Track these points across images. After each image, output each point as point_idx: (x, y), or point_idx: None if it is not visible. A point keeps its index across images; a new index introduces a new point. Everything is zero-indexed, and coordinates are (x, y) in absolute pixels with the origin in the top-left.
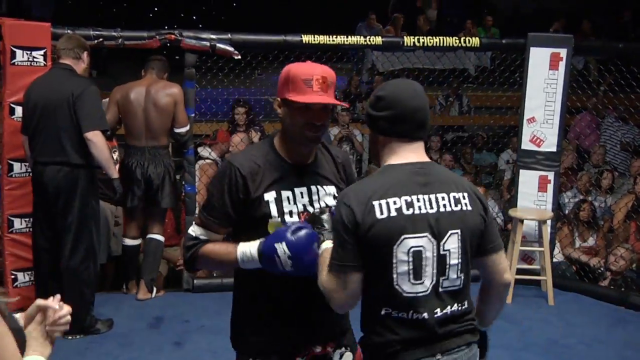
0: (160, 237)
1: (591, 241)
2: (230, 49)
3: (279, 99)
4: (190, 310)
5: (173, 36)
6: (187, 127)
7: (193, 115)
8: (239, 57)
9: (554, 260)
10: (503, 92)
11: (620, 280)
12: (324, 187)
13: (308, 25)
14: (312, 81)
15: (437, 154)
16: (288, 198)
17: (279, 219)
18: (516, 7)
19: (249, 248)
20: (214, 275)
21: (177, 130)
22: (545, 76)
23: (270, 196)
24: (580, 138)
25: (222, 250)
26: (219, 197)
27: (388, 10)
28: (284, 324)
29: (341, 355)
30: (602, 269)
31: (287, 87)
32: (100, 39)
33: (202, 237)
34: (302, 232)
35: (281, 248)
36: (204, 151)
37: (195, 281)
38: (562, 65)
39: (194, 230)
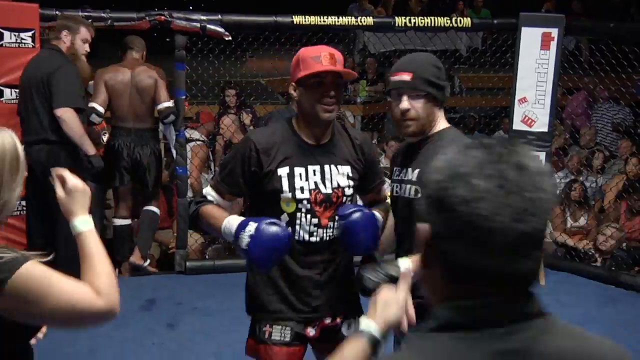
0: (156, 209)
1: (582, 221)
2: (221, 30)
3: (293, 83)
4: (182, 292)
5: (163, 17)
6: (168, 104)
7: (184, 97)
8: (230, 38)
9: (546, 240)
10: (495, 72)
11: (611, 259)
12: (338, 166)
13: (299, 6)
14: (321, 57)
15: None
16: (300, 175)
17: (290, 194)
18: None
19: (233, 221)
20: (207, 257)
21: (157, 108)
22: (536, 56)
23: (283, 171)
24: (573, 118)
25: (216, 214)
26: (233, 166)
27: None
28: (296, 293)
29: (349, 326)
30: (591, 251)
31: (299, 67)
32: (89, 20)
33: (209, 197)
34: (275, 227)
35: (250, 226)
36: (194, 133)
37: (187, 263)
38: (553, 45)
39: (206, 190)
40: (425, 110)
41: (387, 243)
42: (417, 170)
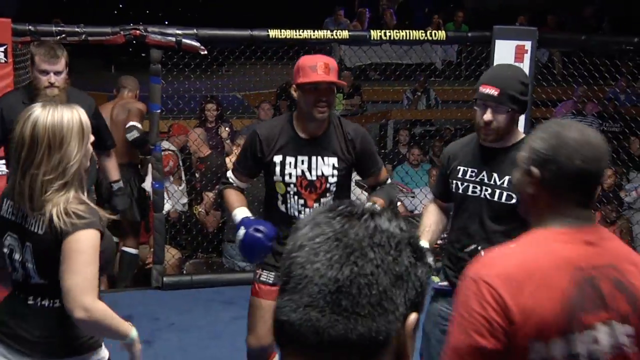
0: (134, 251)
1: None
2: (197, 44)
3: (294, 85)
4: (159, 308)
5: (138, 32)
6: (133, 122)
7: (159, 111)
8: (205, 52)
9: None
10: (470, 85)
11: None
12: (325, 158)
13: (275, 20)
14: (317, 67)
15: (405, 148)
16: (290, 163)
17: (280, 178)
18: (482, 2)
19: (239, 214)
20: (184, 272)
21: (127, 135)
22: None
23: (277, 159)
24: None
25: (232, 200)
26: (244, 154)
27: (355, 6)
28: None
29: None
30: None
31: (298, 74)
32: (63, 35)
33: (231, 180)
34: (259, 233)
35: (241, 230)
36: (164, 143)
37: (164, 279)
38: (527, 57)
39: (228, 173)
40: (506, 123)
41: (434, 235)
42: (507, 177)
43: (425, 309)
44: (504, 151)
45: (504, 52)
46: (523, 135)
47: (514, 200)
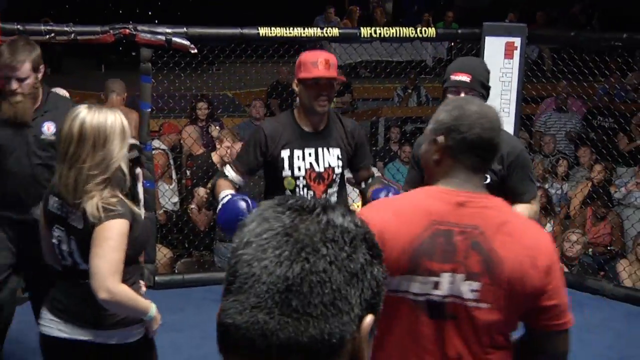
0: None
1: (548, 227)
2: (187, 43)
3: (296, 80)
4: None
5: (127, 30)
6: (134, 142)
7: (149, 110)
8: (196, 51)
9: None
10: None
11: (577, 265)
12: (330, 149)
13: (265, 18)
14: (318, 62)
15: (396, 145)
16: (298, 156)
17: (289, 172)
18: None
19: (223, 193)
20: (176, 271)
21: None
22: (500, 65)
23: (285, 154)
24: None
25: (222, 186)
26: (247, 149)
27: (345, 4)
28: None
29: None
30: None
31: (300, 69)
32: (52, 34)
33: (227, 173)
34: (243, 203)
35: (225, 198)
36: (154, 142)
37: (156, 278)
38: (516, 54)
39: (226, 167)
40: None
41: None
42: None
43: None
44: None
45: (494, 48)
46: None
47: (488, 180)
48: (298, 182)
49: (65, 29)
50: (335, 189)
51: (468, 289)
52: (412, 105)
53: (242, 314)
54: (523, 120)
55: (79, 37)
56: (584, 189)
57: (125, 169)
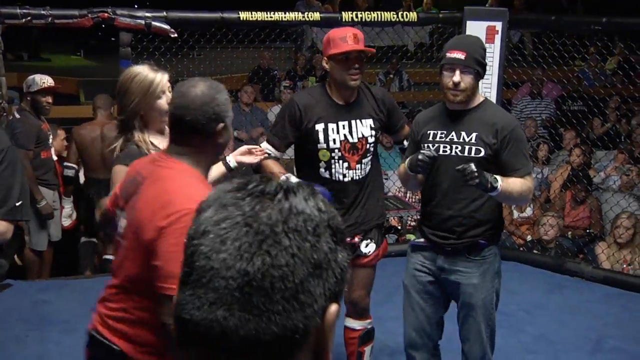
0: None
1: (529, 211)
2: (166, 27)
3: (325, 58)
4: None
5: (106, 14)
6: None
7: None
8: (176, 35)
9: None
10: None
11: (556, 248)
12: (362, 120)
13: (246, 2)
14: (347, 38)
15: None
16: (332, 129)
17: (325, 144)
18: None
19: (292, 178)
20: None
21: None
22: None
23: (319, 127)
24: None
25: (271, 166)
26: (281, 123)
27: None
28: None
29: (366, 245)
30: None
31: (329, 46)
32: (29, 18)
33: (267, 150)
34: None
35: None
36: None
37: None
38: (498, 38)
39: (264, 144)
40: (472, 84)
41: (411, 185)
42: (474, 134)
43: (406, 264)
44: (468, 112)
45: (475, 32)
46: (483, 98)
47: (482, 154)
48: (333, 154)
49: (42, 12)
50: (369, 157)
51: (121, 224)
52: (394, 90)
53: (200, 309)
54: (504, 104)
55: (56, 21)
56: (564, 172)
57: None
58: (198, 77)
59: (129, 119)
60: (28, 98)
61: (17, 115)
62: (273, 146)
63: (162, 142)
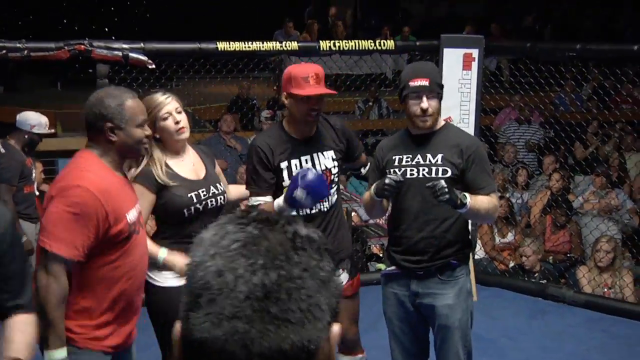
0: None
1: (510, 237)
2: (144, 58)
3: (285, 92)
4: None
5: (83, 46)
6: None
7: None
8: (153, 66)
9: (476, 257)
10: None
11: (540, 273)
12: (324, 152)
13: (224, 34)
14: (309, 78)
15: None
16: (296, 165)
17: (289, 181)
18: (429, 13)
19: (280, 199)
20: None
21: None
22: (459, 76)
23: (284, 165)
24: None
25: (268, 207)
26: (256, 172)
27: (305, 18)
28: None
29: (338, 275)
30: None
31: (290, 84)
32: (4, 51)
33: (256, 203)
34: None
35: (297, 190)
36: None
37: None
38: (474, 65)
39: (251, 201)
40: (438, 107)
41: (376, 212)
42: (440, 155)
43: (382, 294)
44: (433, 135)
45: (452, 60)
46: (444, 122)
47: (449, 174)
48: None
49: (18, 45)
50: (334, 188)
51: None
52: (374, 118)
53: (219, 326)
54: (482, 131)
55: (32, 54)
56: (543, 197)
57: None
58: (111, 87)
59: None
60: (25, 136)
61: (2, 150)
62: (260, 196)
63: (177, 164)
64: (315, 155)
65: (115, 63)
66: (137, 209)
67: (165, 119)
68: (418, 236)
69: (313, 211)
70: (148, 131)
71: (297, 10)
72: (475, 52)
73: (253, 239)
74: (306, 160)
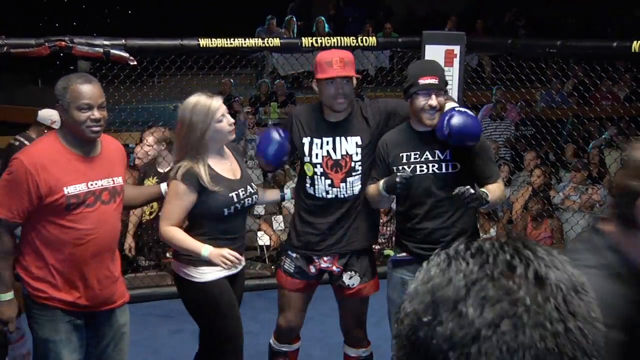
0: None
1: (492, 232)
2: (125, 55)
3: (314, 80)
4: None
5: (64, 43)
6: None
7: None
8: (135, 63)
9: None
10: (402, 90)
11: None
12: (348, 137)
13: (206, 31)
14: (332, 62)
15: None
16: (317, 144)
17: (309, 158)
18: (411, 10)
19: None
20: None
21: None
22: None
23: (306, 140)
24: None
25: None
26: (285, 124)
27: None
28: (304, 236)
29: (350, 277)
30: None
31: (317, 69)
32: None
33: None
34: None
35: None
36: None
37: None
38: (456, 61)
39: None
40: (443, 105)
41: (383, 204)
42: (448, 151)
43: (388, 280)
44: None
45: (434, 56)
46: None
47: (458, 168)
48: (316, 170)
49: None
50: (356, 177)
51: None
52: None
53: None
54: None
55: (12, 50)
56: (525, 193)
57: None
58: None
59: (196, 145)
60: (45, 130)
61: (27, 143)
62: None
63: (217, 163)
64: (337, 138)
65: (96, 60)
66: (104, 182)
67: (221, 121)
68: (431, 227)
69: (329, 196)
70: (95, 115)
71: (280, 7)
72: (456, 49)
73: (527, 312)
74: (327, 142)
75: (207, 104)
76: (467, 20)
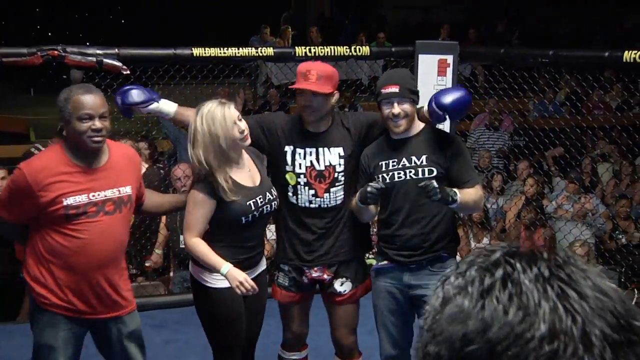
0: None
1: (485, 241)
2: (119, 64)
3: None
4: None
5: (56, 52)
6: None
7: None
8: (128, 72)
9: None
10: None
11: None
12: (331, 148)
13: (199, 40)
14: (307, 74)
15: None
16: (300, 154)
17: (291, 167)
18: (404, 19)
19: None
20: None
21: None
22: (434, 82)
23: (288, 149)
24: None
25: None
26: (267, 118)
27: (281, 24)
28: (291, 241)
29: (341, 284)
30: None
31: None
32: None
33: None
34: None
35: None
36: None
37: None
38: (449, 71)
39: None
40: (411, 110)
41: (366, 217)
42: (424, 156)
43: (372, 288)
44: (413, 138)
45: (427, 66)
46: (422, 126)
47: (435, 173)
48: (299, 180)
49: None
50: (339, 187)
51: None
52: None
53: None
54: (458, 135)
55: (4, 59)
56: (518, 202)
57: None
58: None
59: (217, 155)
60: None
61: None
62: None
63: (235, 171)
64: (321, 149)
65: (89, 69)
66: (108, 193)
67: (237, 128)
68: (410, 234)
69: (312, 205)
70: (96, 125)
71: (273, 16)
72: (450, 58)
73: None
74: (310, 152)
75: (222, 113)
76: (460, 30)
